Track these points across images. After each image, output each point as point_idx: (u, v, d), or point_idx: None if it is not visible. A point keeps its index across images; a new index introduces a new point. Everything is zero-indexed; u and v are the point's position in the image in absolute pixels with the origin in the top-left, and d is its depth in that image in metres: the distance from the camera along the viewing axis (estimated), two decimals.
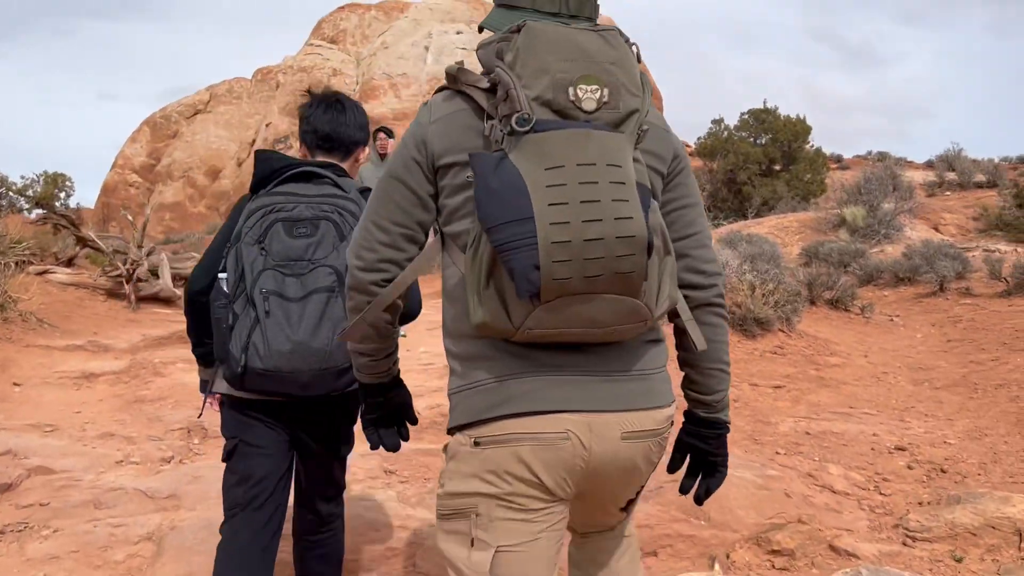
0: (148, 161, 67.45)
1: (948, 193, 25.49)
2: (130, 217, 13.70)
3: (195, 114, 69.12)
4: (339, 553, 2.72)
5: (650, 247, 1.41)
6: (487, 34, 1.64)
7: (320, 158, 2.56)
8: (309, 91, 2.70)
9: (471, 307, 1.47)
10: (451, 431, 1.62)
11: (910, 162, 28.13)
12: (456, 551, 1.58)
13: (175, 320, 11.02)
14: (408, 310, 2.16)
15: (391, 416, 1.92)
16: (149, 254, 12.06)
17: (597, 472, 1.55)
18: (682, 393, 1.79)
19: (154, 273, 11.95)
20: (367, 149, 2.66)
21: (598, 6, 1.66)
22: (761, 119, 25.96)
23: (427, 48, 61.78)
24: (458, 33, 61.80)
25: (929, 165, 29.70)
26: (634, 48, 1.51)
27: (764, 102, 26.10)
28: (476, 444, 1.53)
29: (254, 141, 64.39)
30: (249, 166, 61.82)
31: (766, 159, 25.33)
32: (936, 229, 20.87)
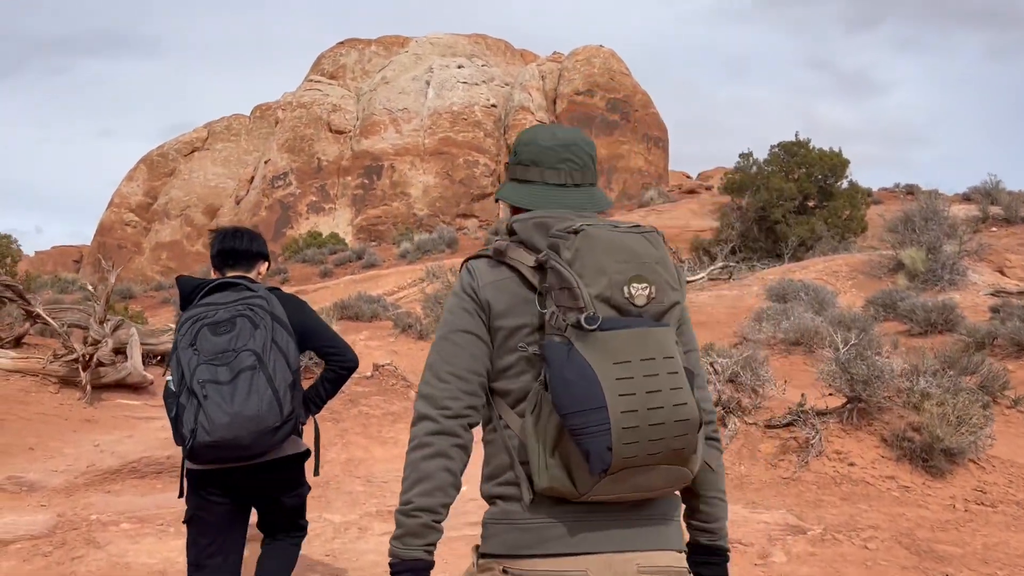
0: (145, 200, 65.04)
1: (995, 229, 23.23)
2: (90, 287, 11.23)
3: (193, 151, 66.85)
4: (287, 562, 3.16)
5: (700, 425, 1.59)
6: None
7: (231, 274, 3.06)
8: (215, 229, 3.56)
9: (537, 471, 1.62)
10: (486, 556, 1.72)
11: (941, 194, 25.79)
12: None
13: (143, 416, 8.56)
14: (346, 362, 3.07)
15: None
16: (116, 329, 9.62)
17: None
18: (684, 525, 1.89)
19: (121, 352, 9.52)
20: (266, 264, 3.25)
21: (596, 174, 1.88)
22: (793, 152, 23.68)
23: (428, 83, 59.71)
24: (459, 67, 59.80)
25: (967, 199, 27.32)
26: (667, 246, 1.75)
27: (796, 135, 23.94)
28: (504, 572, 1.67)
29: (253, 179, 62.14)
30: (248, 203, 59.76)
31: (800, 195, 23.03)
32: (1001, 272, 18.52)
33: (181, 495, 2.96)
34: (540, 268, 1.66)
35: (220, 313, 2.74)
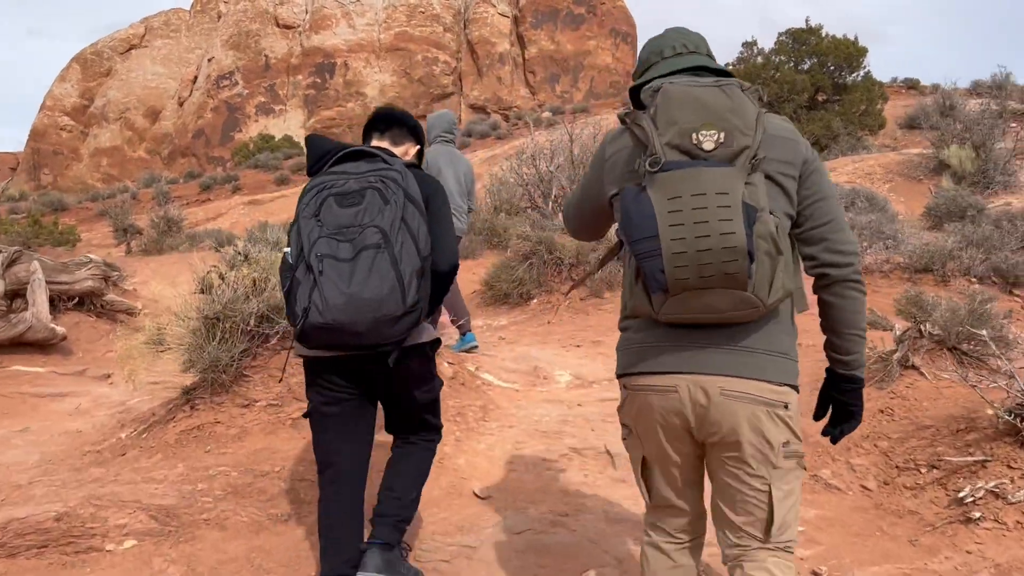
0: (80, 102, 59.63)
1: (1014, 125, 21.00)
2: None
3: (130, 49, 61.19)
4: (421, 465, 2.86)
5: (750, 253, 1.74)
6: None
7: (375, 143, 2.78)
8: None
9: (626, 297, 1.99)
10: (617, 376, 2.10)
11: (955, 88, 23.41)
12: (626, 447, 2.14)
13: (49, 392, 5.90)
14: (435, 263, 2.53)
15: None
16: (9, 265, 6.81)
17: (705, 425, 1.91)
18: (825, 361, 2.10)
19: (21, 296, 6.75)
20: (416, 147, 2.89)
21: (710, 51, 2.10)
22: (803, 40, 20.88)
23: None
24: None
25: (975, 93, 24.92)
26: (756, 93, 1.90)
27: (807, 21, 21.21)
28: (624, 388, 2.05)
29: (196, 78, 57.23)
30: (192, 104, 55.11)
31: (813, 88, 20.39)
32: None
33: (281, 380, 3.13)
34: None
35: (350, 183, 2.45)
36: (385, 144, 2.79)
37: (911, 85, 29.13)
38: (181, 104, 55.86)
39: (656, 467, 2.03)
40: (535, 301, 7.96)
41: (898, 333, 4.41)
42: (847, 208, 11.43)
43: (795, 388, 1.93)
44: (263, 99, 52.47)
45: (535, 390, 5.13)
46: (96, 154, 55.61)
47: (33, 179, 55.18)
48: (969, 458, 3.25)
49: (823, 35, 20.99)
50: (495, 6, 51.54)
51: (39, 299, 6.68)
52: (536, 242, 8.24)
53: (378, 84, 50.32)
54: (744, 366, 1.87)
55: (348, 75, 50.90)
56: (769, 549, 1.93)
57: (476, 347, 6.05)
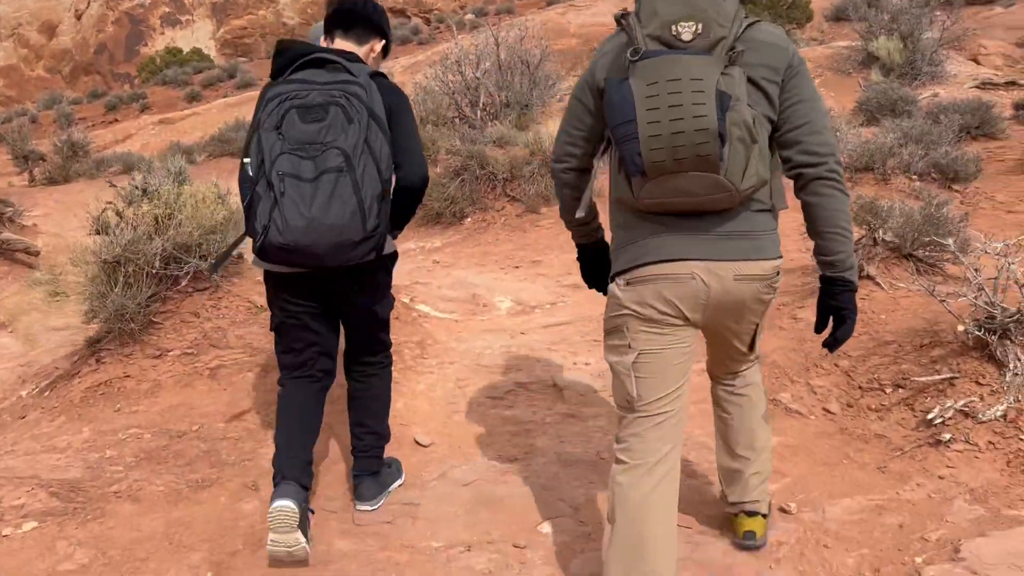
0: None
1: (939, 14, 20.95)
2: None
3: None
4: (385, 395, 2.93)
5: (722, 136, 1.83)
6: None
7: (338, 42, 2.66)
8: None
9: (612, 185, 2.08)
10: (612, 276, 2.15)
11: None
12: (613, 356, 2.15)
13: None
14: (405, 178, 2.50)
15: (592, 272, 2.47)
16: None
17: (716, 305, 2.03)
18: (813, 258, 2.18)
19: None
20: (382, 43, 2.75)
21: None
22: None
23: None
24: None
25: None
26: None
27: None
28: (628, 284, 2.07)
29: None
30: (91, 17, 51.58)
31: None
32: (976, 61, 16.35)
33: (213, 271, 3.32)
34: None
35: (313, 96, 2.38)
36: (350, 44, 2.67)
37: None
38: (79, 17, 52.35)
39: (652, 363, 2.09)
40: (469, 220, 7.59)
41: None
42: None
43: (780, 255, 2.12)
44: (167, 9, 49.51)
45: (475, 319, 4.83)
46: None
47: None
48: (936, 376, 3.08)
49: None
50: None
51: None
52: (467, 156, 7.82)
53: None
54: (752, 249, 2.02)
55: None
56: (750, 360, 2.35)
57: None
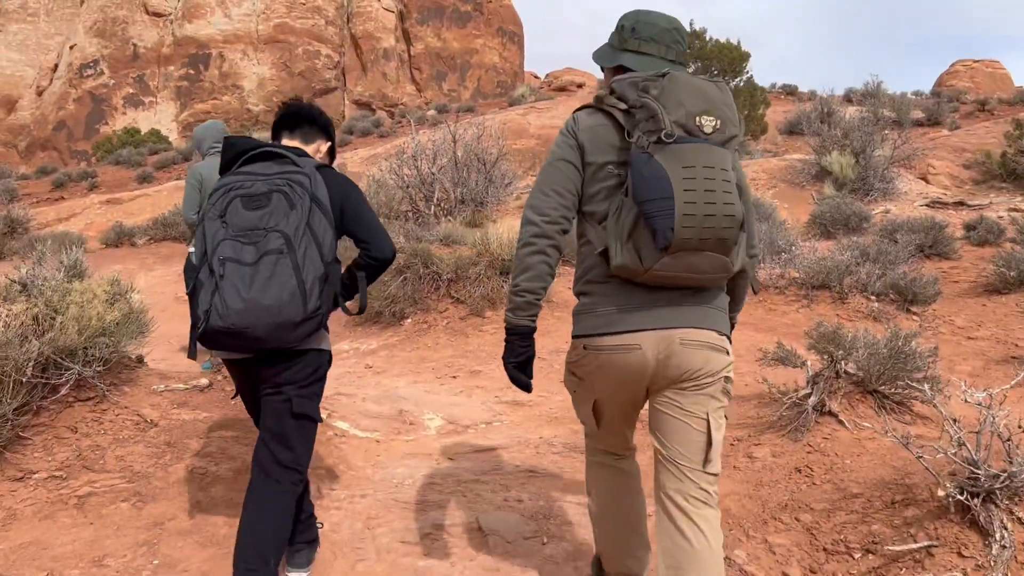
0: None
1: (887, 132, 21.55)
2: None
3: None
4: (284, 518, 2.58)
5: (742, 224, 2.09)
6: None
7: (285, 141, 2.75)
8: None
9: (613, 254, 2.14)
10: (575, 337, 2.32)
11: (832, 95, 23.87)
12: (570, 391, 2.47)
13: None
14: (376, 253, 2.59)
15: (527, 361, 2.35)
16: None
17: (663, 365, 2.19)
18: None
19: None
20: (328, 144, 2.85)
21: (685, 51, 2.38)
22: (687, 44, 20.83)
23: None
24: None
25: (849, 100, 25.61)
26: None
27: (691, 24, 21.02)
28: (585, 348, 2.27)
29: (56, 66, 53.39)
30: (52, 94, 51.28)
31: None
32: (924, 179, 16.65)
33: (191, 356, 2.64)
34: (628, 112, 2.16)
35: (257, 185, 2.44)
36: (296, 142, 2.75)
37: (790, 91, 29.71)
38: (40, 94, 52.10)
39: (605, 407, 2.38)
40: (409, 321, 7.15)
41: (811, 373, 3.86)
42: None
43: (730, 339, 2.29)
44: (131, 90, 49.49)
45: (399, 440, 4.34)
46: None
47: None
48: (912, 544, 2.67)
49: (707, 39, 20.97)
50: (380, 1, 50.24)
51: None
52: (411, 254, 7.44)
53: (256, 77, 48.23)
54: (701, 318, 2.18)
55: (224, 67, 48.60)
56: (703, 476, 2.24)
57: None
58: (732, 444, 3.74)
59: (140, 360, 4.37)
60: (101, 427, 3.70)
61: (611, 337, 2.19)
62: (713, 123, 2.09)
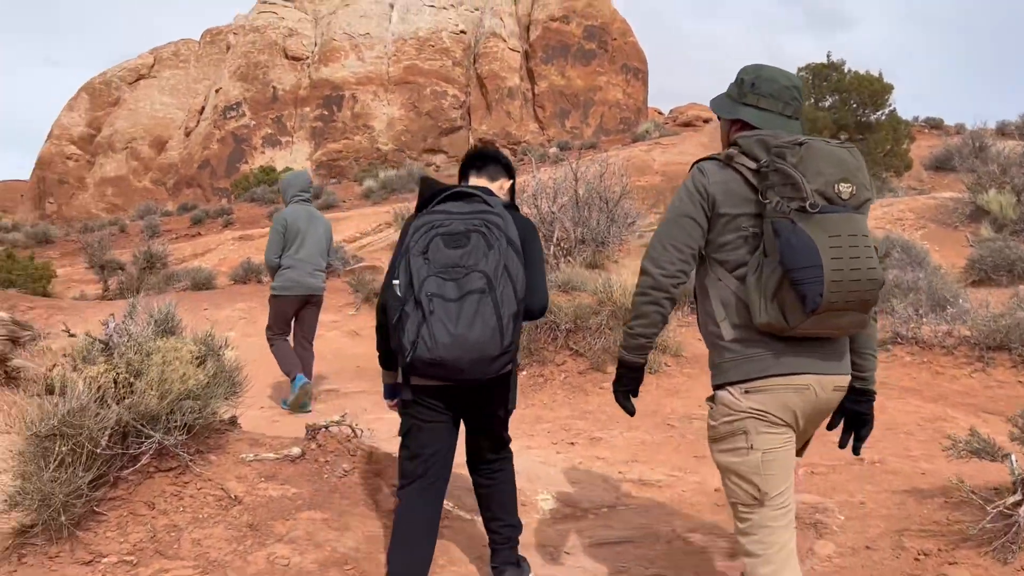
0: (88, 131, 58.86)
1: None
2: None
3: (138, 79, 60.55)
4: (512, 486, 3.20)
5: (882, 286, 2.20)
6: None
7: (472, 180, 3.02)
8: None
9: (757, 312, 2.25)
10: (719, 387, 2.39)
11: (984, 128, 22.07)
12: (733, 458, 2.36)
13: None
14: (532, 303, 2.75)
15: (635, 391, 2.57)
16: None
17: (817, 410, 2.36)
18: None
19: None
20: (510, 182, 3.08)
21: (801, 107, 2.50)
22: (824, 76, 19.67)
23: (392, 6, 54.20)
24: None
25: (1002, 133, 23.66)
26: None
27: (828, 56, 19.96)
28: (746, 392, 2.31)
29: (203, 109, 56.49)
30: (199, 135, 54.26)
31: (835, 126, 19.13)
32: None
33: (389, 397, 3.05)
34: (758, 172, 2.27)
35: (455, 224, 2.63)
36: (483, 181, 3.00)
37: (934, 125, 27.79)
38: (188, 135, 55.22)
39: (777, 456, 2.33)
40: (524, 373, 6.63)
41: (1018, 471, 3.08)
42: (881, 260, 10.12)
43: None
44: (270, 131, 51.73)
45: None
46: (101, 183, 54.85)
47: (38, 208, 54.44)
48: None
49: (846, 71, 19.79)
50: (506, 40, 50.78)
51: None
52: None
53: (386, 117, 49.50)
54: (843, 365, 2.36)
55: (356, 108, 50.13)
56: None
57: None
58: (918, 559, 3.01)
59: (233, 422, 4.01)
60: (181, 503, 3.32)
61: (782, 378, 2.29)
62: (850, 190, 2.19)
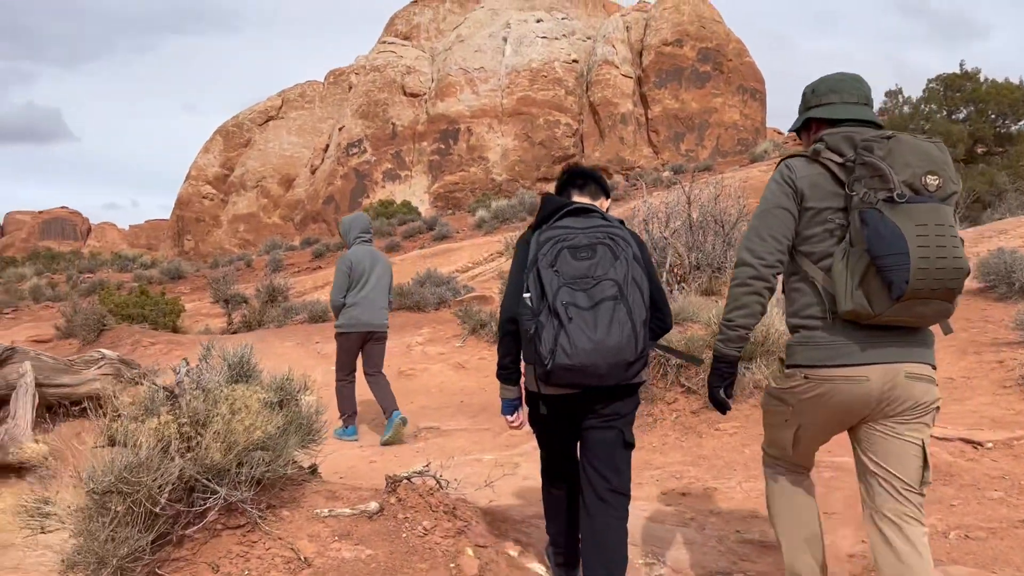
0: (221, 171, 62.15)
1: None
2: None
3: (267, 121, 63.57)
4: (620, 548, 2.90)
5: (967, 275, 2.21)
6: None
7: (577, 198, 3.04)
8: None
9: (842, 299, 2.32)
10: (793, 366, 2.48)
11: None
12: (771, 420, 2.65)
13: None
14: (667, 319, 2.88)
15: (731, 385, 2.64)
16: None
17: (888, 396, 2.35)
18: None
19: (5, 403, 5.56)
20: (608, 201, 3.12)
21: (868, 95, 2.56)
22: (957, 87, 18.30)
23: (505, 39, 54.87)
24: (538, 21, 54.64)
25: None
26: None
27: (961, 65, 18.61)
28: (806, 378, 2.42)
29: (327, 147, 58.64)
30: (323, 172, 56.29)
31: (970, 139, 17.73)
32: None
33: (509, 412, 3.07)
34: (844, 166, 2.35)
35: (579, 238, 2.70)
36: (585, 199, 3.02)
37: None
38: (313, 172, 57.34)
39: (808, 433, 2.54)
40: None
41: None
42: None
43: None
44: (390, 165, 53.02)
45: None
46: (234, 220, 57.65)
47: (177, 245, 57.69)
48: None
49: (981, 80, 18.37)
50: (618, 67, 50.40)
51: (20, 410, 5.45)
52: None
53: (500, 148, 49.86)
54: (921, 354, 2.37)
55: (471, 140, 50.76)
56: (918, 496, 2.41)
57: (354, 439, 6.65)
58: None
59: (313, 470, 3.74)
60: (247, 564, 3.04)
61: (840, 369, 2.35)
62: (937, 182, 2.25)
